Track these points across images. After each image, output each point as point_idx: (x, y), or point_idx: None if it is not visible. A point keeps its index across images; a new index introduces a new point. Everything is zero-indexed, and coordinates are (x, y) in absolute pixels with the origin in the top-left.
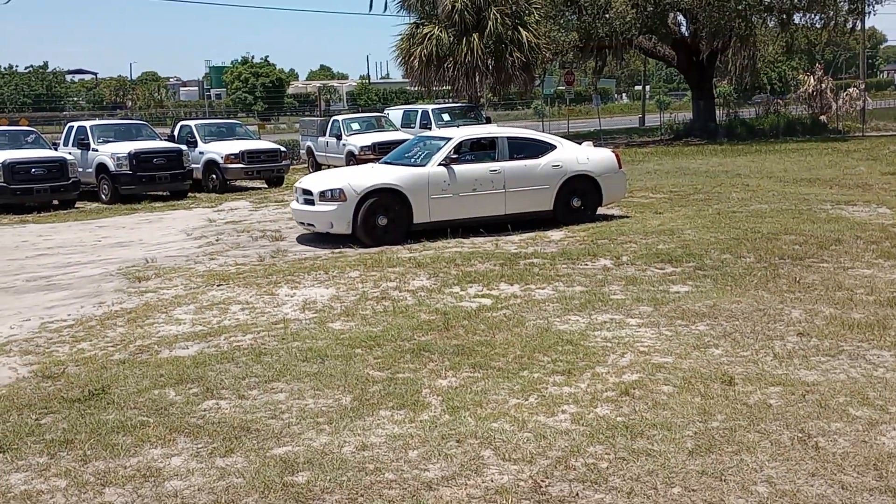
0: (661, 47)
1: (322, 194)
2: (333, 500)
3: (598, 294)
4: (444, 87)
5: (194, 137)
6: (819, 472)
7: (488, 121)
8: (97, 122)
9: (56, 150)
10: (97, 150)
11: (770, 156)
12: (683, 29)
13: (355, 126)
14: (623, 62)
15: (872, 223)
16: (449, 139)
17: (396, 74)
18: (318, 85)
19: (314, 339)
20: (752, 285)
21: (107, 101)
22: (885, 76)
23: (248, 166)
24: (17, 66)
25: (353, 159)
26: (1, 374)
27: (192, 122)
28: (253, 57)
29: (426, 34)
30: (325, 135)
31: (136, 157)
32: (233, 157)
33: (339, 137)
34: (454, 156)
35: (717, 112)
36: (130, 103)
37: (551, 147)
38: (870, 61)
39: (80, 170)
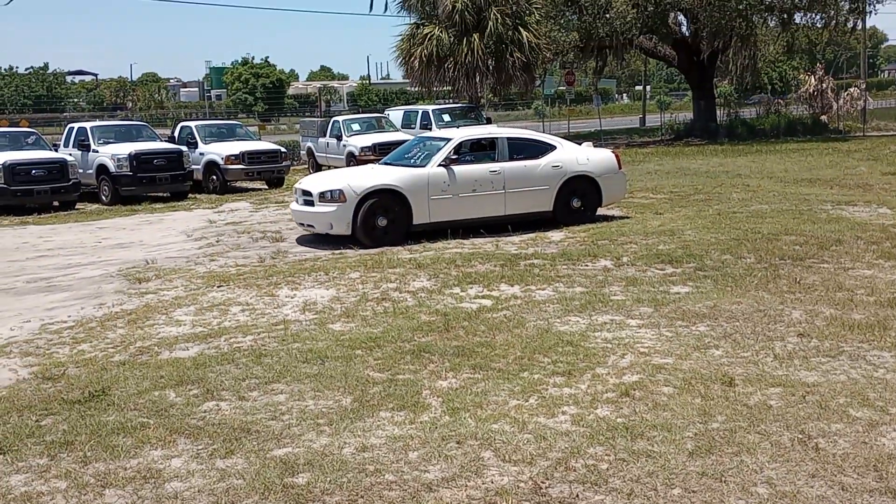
0: (662, 47)
1: (322, 195)
2: (333, 502)
3: (598, 295)
4: (445, 88)
5: (195, 138)
6: (819, 474)
7: (489, 121)
8: (97, 123)
9: (56, 151)
10: (97, 152)
11: (771, 156)
12: (684, 29)
13: (356, 127)
14: (624, 62)
15: (873, 223)
16: (449, 140)
17: (397, 75)
18: (318, 85)
19: (314, 341)
20: (752, 286)
21: (107, 102)
22: (886, 76)
23: (249, 167)
24: (17, 67)
25: (353, 160)
26: (1, 376)
27: (192, 123)
28: (253, 58)
29: (426, 34)
30: (325, 135)
31: (136, 159)
32: (233, 158)
33: (339, 138)
34: (454, 156)
35: (718, 112)
36: (131, 104)
37: (551, 147)
38: (871, 61)
39: (81, 171)
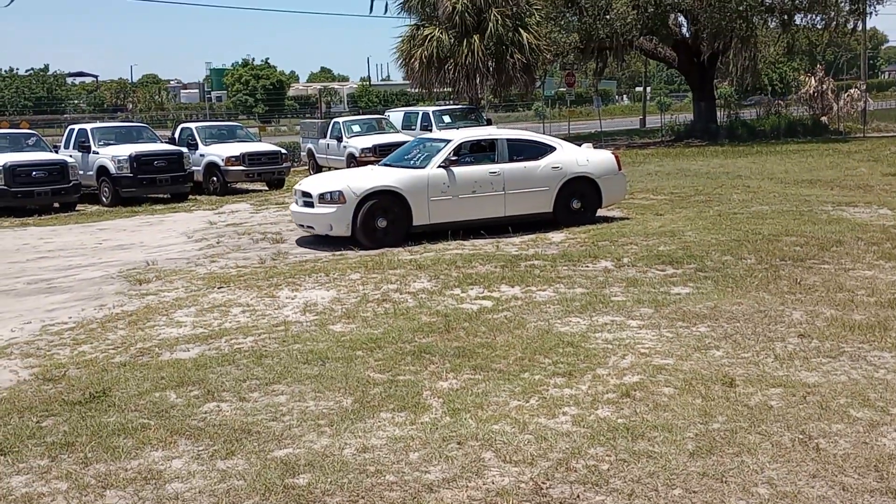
0: (662, 48)
1: (321, 196)
2: (334, 503)
3: (598, 296)
4: (445, 89)
5: (195, 140)
6: (820, 474)
7: (489, 122)
8: (98, 124)
9: (57, 152)
10: (98, 153)
11: (771, 157)
12: (684, 30)
13: (356, 128)
14: (624, 63)
15: (873, 224)
16: (448, 141)
17: (397, 76)
18: (318, 87)
19: (315, 342)
20: (752, 287)
21: (107, 103)
22: (886, 77)
23: (249, 168)
24: (17, 68)
25: (353, 161)
26: (2, 377)
27: (192, 125)
28: (253, 59)
29: (427, 36)
30: (325, 137)
31: (136, 160)
32: (233, 159)
33: (339, 139)
34: (454, 158)
35: (718, 113)
36: (131, 106)
37: (551, 149)
38: (871, 62)
39: (81, 172)
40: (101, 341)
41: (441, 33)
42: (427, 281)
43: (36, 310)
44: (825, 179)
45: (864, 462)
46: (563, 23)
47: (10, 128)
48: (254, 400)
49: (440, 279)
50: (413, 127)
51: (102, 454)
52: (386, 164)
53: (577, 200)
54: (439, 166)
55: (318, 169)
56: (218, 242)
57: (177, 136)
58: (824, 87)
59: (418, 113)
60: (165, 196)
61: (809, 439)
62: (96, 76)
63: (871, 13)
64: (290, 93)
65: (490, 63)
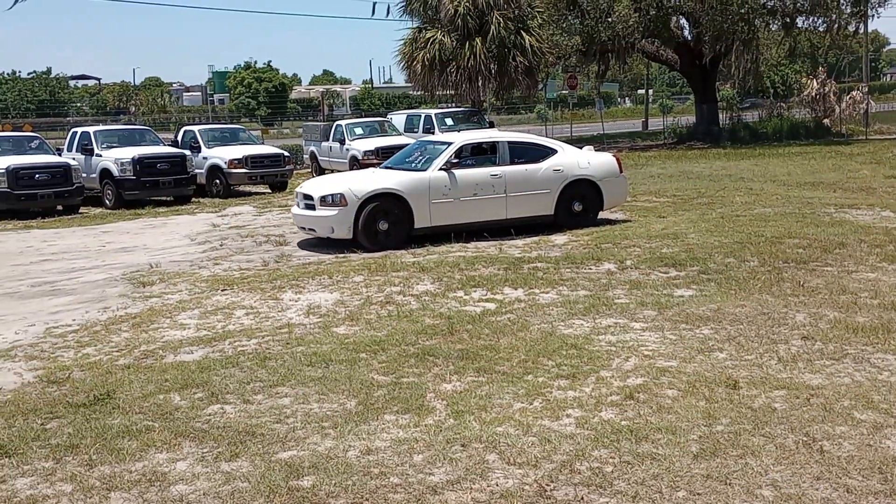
0: (664, 51)
1: (323, 199)
2: None
3: (602, 298)
4: (448, 92)
5: (198, 142)
6: (824, 476)
7: (491, 125)
8: (101, 127)
9: (60, 155)
10: (101, 156)
11: (773, 159)
12: (686, 32)
13: (358, 131)
14: (626, 66)
15: (876, 227)
16: (449, 144)
17: (399, 79)
18: (321, 90)
19: (319, 344)
20: (756, 289)
21: (110, 106)
22: (888, 79)
23: (252, 171)
24: (20, 71)
25: (356, 164)
26: (6, 380)
27: (195, 128)
28: (256, 62)
29: (429, 39)
30: (328, 139)
31: (139, 163)
32: (236, 161)
33: (342, 142)
34: (455, 160)
35: (721, 116)
36: (134, 108)
37: (552, 151)
38: (873, 64)
39: (84, 175)
40: (104, 344)
41: (443, 36)
42: (430, 283)
43: (40, 312)
44: (827, 182)
45: (868, 464)
46: (564, 25)
47: (13, 130)
48: (258, 402)
49: (443, 281)
50: (415, 130)
51: (107, 456)
52: (387, 167)
53: (579, 203)
54: (440, 169)
55: (320, 171)
56: (221, 245)
57: (179, 138)
58: (826, 89)
59: (421, 116)
60: (168, 199)
61: (813, 441)
62: (99, 79)
63: (872, 16)
64: (293, 95)
65: (492, 66)
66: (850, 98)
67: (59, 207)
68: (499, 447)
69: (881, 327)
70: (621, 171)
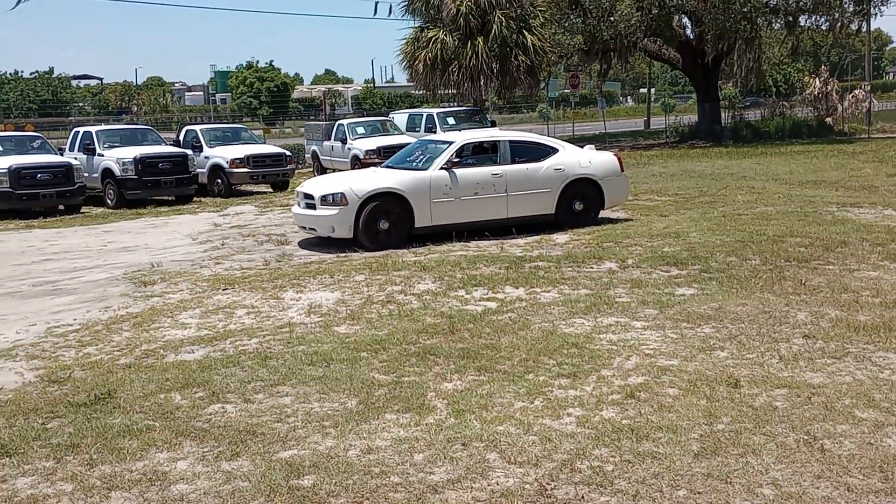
0: (667, 50)
1: (323, 198)
2: None
3: (603, 297)
4: (449, 91)
5: (199, 142)
6: (825, 475)
7: (493, 124)
8: (103, 127)
9: (62, 155)
10: (103, 155)
11: (775, 158)
12: (689, 31)
13: (360, 130)
14: (628, 65)
15: (878, 225)
16: (450, 143)
17: (401, 78)
18: (323, 89)
19: (319, 343)
20: (757, 288)
21: (112, 106)
22: (890, 78)
23: (254, 171)
24: (22, 71)
25: (358, 163)
26: (7, 379)
27: (197, 127)
28: (258, 61)
29: (431, 38)
30: (330, 139)
31: (141, 162)
32: (238, 161)
33: (344, 141)
34: (456, 159)
35: (723, 115)
36: (136, 108)
37: (553, 150)
38: (875, 63)
39: (86, 175)
40: (106, 343)
41: (445, 35)
42: (431, 282)
43: (41, 312)
44: (830, 180)
45: (869, 463)
46: (567, 25)
47: (15, 130)
48: (258, 401)
49: (444, 280)
50: (417, 129)
51: (108, 455)
52: (388, 166)
53: (580, 202)
54: (441, 168)
55: (322, 171)
56: (222, 244)
57: (181, 138)
58: (829, 88)
59: (422, 115)
60: (170, 198)
61: (814, 440)
62: (101, 79)
63: (875, 14)
64: (295, 95)
65: (494, 65)
66: (852, 97)
67: (61, 207)
68: (499, 446)
69: (883, 326)
70: (622, 171)
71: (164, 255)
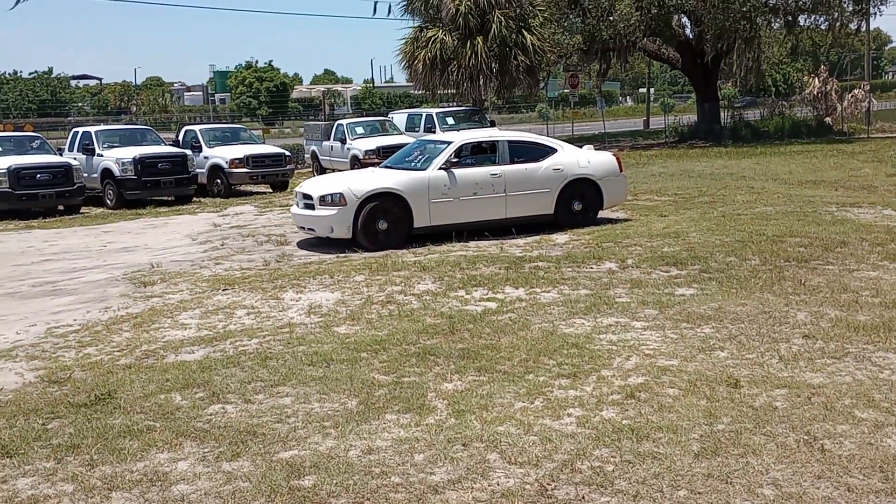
0: (666, 49)
1: (322, 199)
2: None
3: (603, 297)
4: (449, 91)
5: (199, 142)
6: (825, 475)
7: (493, 124)
8: (102, 127)
9: (61, 155)
10: (102, 156)
11: (775, 158)
12: (688, 31)
13: (360, 130)
14: (627, 65)
15: (878, 225)
16: (449, 143)
17: (401, 78)
18: (322, 89)
19: (320, 344)
20: (757, 288)
21: (111, 106)
22: (889, 77)
23: (253, 171)
24: (21, 71)
25: (357, 163)
26: (7, 380)
27: (196, 127)
28: (257, 61)
29: (430, 38)
30: (329, 139)
31: (140, 163)
32: (237, 161)
33: (343, 142)
34: (455, 160)
35: (722, 114)
36: (135, 108)
37: (552, 150)
38: (874, 63)
39: (85, 175)
40: (106, 343)
41: (444, 35)
42: (431, 283)
43: (41, 312)
44: (829, 180)
45: (870, 463)
46: (566, 24)
47: (14, 130)
48: (259, 402)
49: (444, 281)
50: (417, 129)
51: (108, 456)
52: (387, 167)
53: (579, 202)
54: (440, 168)
55: (321, 171)
56: (222, 244)
57: (181, 138)
58: (828, 87)
59: (422, 115)
60: (169, 198)
61: (814, 440)
62: (100, 79)
63: (874, 14)
64: (294, 95)
65: (493, 65)
66: (851, 96)
67: (61, 207)
68: (500, 446)
69: (882, 326)
70: (621, 171)
71: (163, 256)
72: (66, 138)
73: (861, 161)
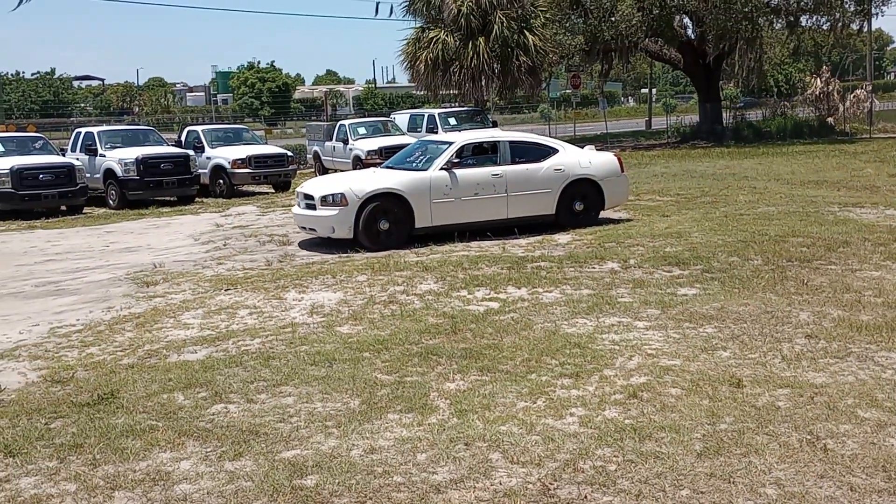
0: (668, 50)
1: (323, 199)
2: None
3: (605, 297)
4: (451, 92)
5: (201, 143)
6: (828, 474)
7: (495, 124)
8: (104, 127)
9: (64, 155)
10: (105, 156)
11: (777, 158)
12: (690, 31)
13: (362, 130)
14: (629, 65)
15: (880, 225)
16: (450, 143)
17: (403, 79)
18: (324, 90)
19: (322, 343)
20: (759, 288)
21: (114, 106)
22: (892, 78)
23: (255, 171)
24: (23, 72)
25: (359, 163)
26: (10, 379)
27: (198, 128)
28: (259, 62)
29: (432, 38)
30: (331, 139)
31: (143, 163)
32: (240, 162)
33: (345, 142)
34: (456, 160)
35: (724, 115)
36: (137, 109)
37: (553, 151)
38: (876, 63)
39: (88, 175)
40: (108, 343)
41: (446, 36)
42: (433, 283)
43: (44, 312)
44: (831, 180)
45: (872, 462)
46: (568, 25)
47: (16, 131)
48: (261, 401)
49: (447, 281)
50: (419, 129)
51: (111, 455)
52: (388, 167)
53: (580, 202)
54: (441, 168)
55: (324, 171)
56: (225, 245)
57: (183, 138)
58: (830, 88)
59: (424, 115)
60: (172, 199)
61: (817, 440)
62: (103, 79)
63: (876, 14)
64: (296, 95)
65: (495, 65)
66: (853, 97)
67: (63, 208)
68: (502, 446)
69: (885, 325)
70: (622, 171)
71: (166, 256)
72: (69, 139)
73: (863, 161)
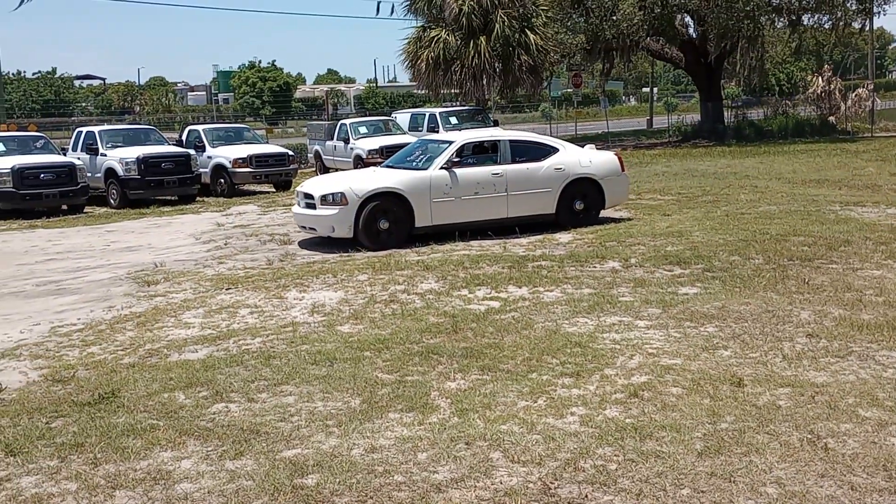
0: (669, 49)
1: (323, 198)
2: (343, 503)
3: (606, 296)
4: (452, 91)
5: (202, 142)
6: (828, 474)
7: (496, 124)
8: (105, 127)
9: (65, 155)
10: (106, 155)
11: (778, 157)
12: (691, 30)
13: (363, 130)
14: (630, 64)
15: (882, 224)
16: (451, 142)
17: (404, 78)
18: (325, 89)
19: (323, 343)
20: (760, 287)
21: (115, 106)
22: (893, 77)
23: (257, 170)
24: (25, 71)
25: (360, 163)
26: (11, 378)
27: (199, 127)
28: (260, 61)
29: (433, 37)
30: (332, 139)
31: (144, 162)
32: (241, 161)
33: (346, 141)
34: (456, 159)
35: (726, 114)
36: (138, 108)
37: (553, 150)
38: (878, 62)
39: (89, 175)
40: (109, 342)
41: (447, 35)
42: (434, 282)
43: (45, 311)
44: (833, 179)
45: (873, 461)
46: (569, 24)
47: (17, 130)
48: (262, 400)
49: (447, 280)
50: (420, 128)
51: (112, 455)
52: (388, 166)
53: (580, 201)
54: (441, 168)
55: (325, 170)
56: (226, 244)
57: (184, 138)
58: (832, 86)
59: (425, 114)
60: (173, 198)
61: (818, 439)
62: (104, 79)
63: (878, 13)
64: (297, 95)
65: (497, 64)
66: (855, 95)
67: (64, 207)
68: (503, 445)
69: (886, 325)
70: (623, 170)
71: (167, 255)
72: (70, 138)
73: (865, 160)
